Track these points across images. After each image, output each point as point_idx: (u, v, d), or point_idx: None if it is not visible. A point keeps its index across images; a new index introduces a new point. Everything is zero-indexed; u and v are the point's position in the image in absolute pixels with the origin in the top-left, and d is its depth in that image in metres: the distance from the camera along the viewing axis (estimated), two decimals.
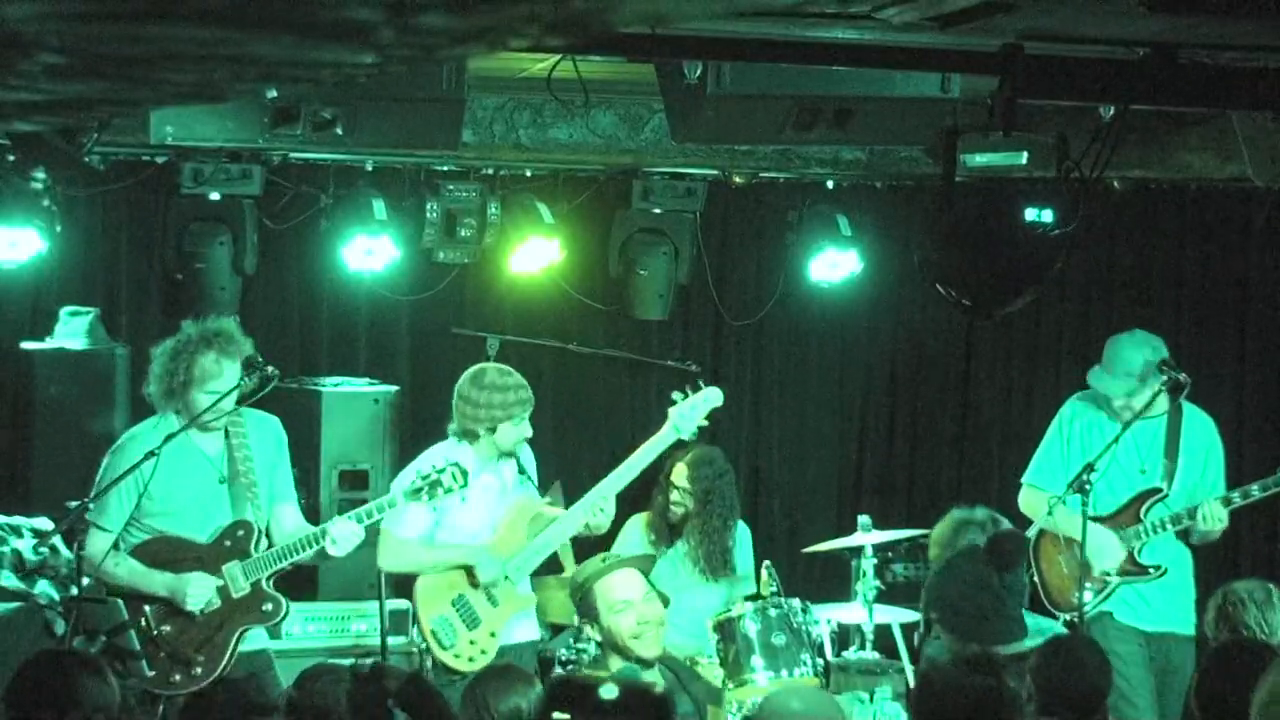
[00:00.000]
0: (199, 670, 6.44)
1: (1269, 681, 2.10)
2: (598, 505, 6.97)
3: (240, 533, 6.52)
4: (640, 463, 7.15)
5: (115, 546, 6.45)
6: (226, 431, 6.58)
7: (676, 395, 7.21)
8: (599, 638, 6.10)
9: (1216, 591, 5.99)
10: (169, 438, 6.39)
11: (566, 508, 7.15)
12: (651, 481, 8.13)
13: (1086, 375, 7.36)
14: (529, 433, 6.97)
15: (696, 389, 7.19)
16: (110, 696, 4.60)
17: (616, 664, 6.03)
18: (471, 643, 6.88)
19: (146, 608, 6.47)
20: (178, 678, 6.44)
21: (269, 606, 6.55)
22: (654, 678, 6.02)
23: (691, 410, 7.15)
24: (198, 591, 6.44)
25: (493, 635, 6.88)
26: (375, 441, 8.15)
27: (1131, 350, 7.27)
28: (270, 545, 6.57)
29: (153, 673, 6.43)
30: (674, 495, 7.92)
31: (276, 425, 6.75)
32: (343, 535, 6.52)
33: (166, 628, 6.46)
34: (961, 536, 6.05)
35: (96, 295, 8.21)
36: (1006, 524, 6.15)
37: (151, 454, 6.34)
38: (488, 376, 6.97)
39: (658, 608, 6.12)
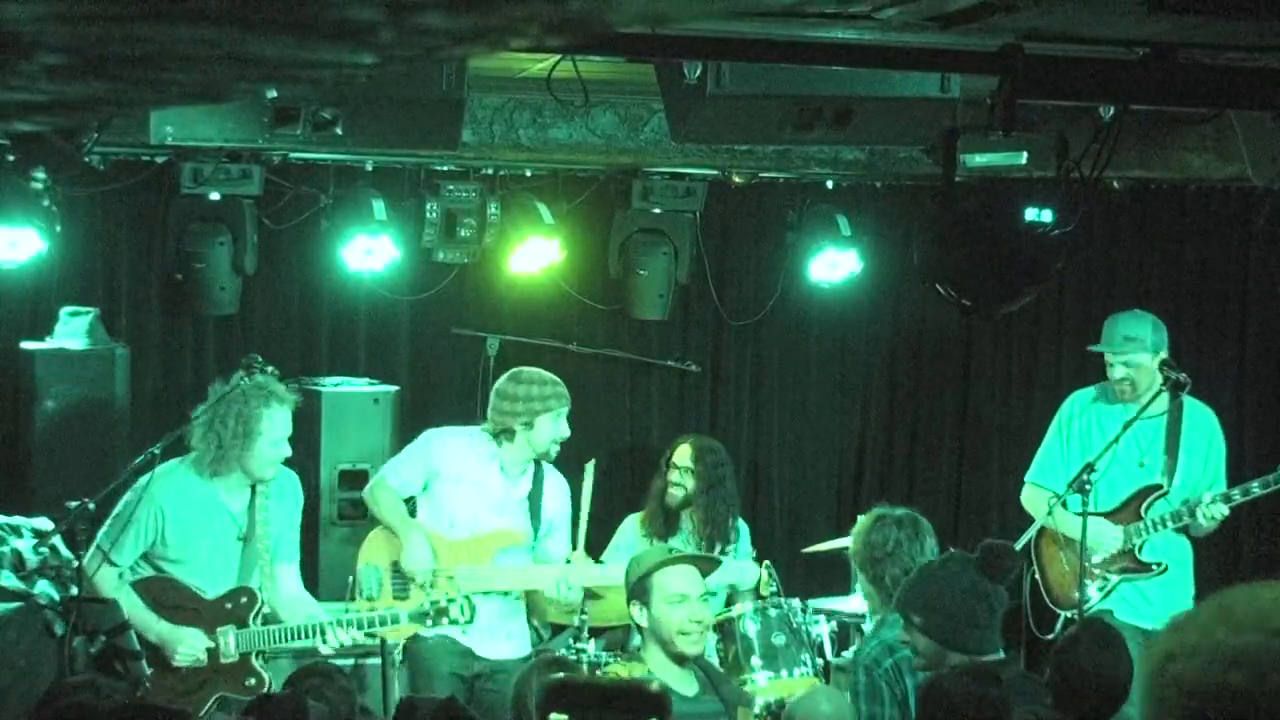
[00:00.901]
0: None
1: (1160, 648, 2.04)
2: (565, 583, 6.94)
3: (243, 599, 6.60)
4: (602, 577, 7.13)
5: (120, 575, 6.54)
6: (253, 489, 6.65)
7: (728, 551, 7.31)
8: (644, 624, 6.08)
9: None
10: (158, 455, 6.45)
11: (595, 494, 7.16)
12: (642, 487, 8.14)
13: (1087, 349, 7.40)
14: (566, 432, 7.00)
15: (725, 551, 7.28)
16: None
17: (655, 654, 6.01)
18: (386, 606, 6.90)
19: None
20: None
21: (252, 681, 6.61)
22: (687, 676, 6.02)
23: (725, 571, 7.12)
24: (187, 650, 6.53)
25: None
26: (375, 441, 8.15)
27: (1133, 319, 7.31)
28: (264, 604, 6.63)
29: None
30: (674, 476, 7.85)
31: (297, 485, 6.88)
32: (335, 642, 6.58)
33: (150, 670, 6.52)
34: (876, 531, 6.00)
35: (96, 295, 8.21)
36: (927, 524, 6.09)
37: (153, 453, 6.37)
38: (525, 373, 7.14)
39: (708, 612, 6.12)
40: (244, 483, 6.67)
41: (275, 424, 6.64)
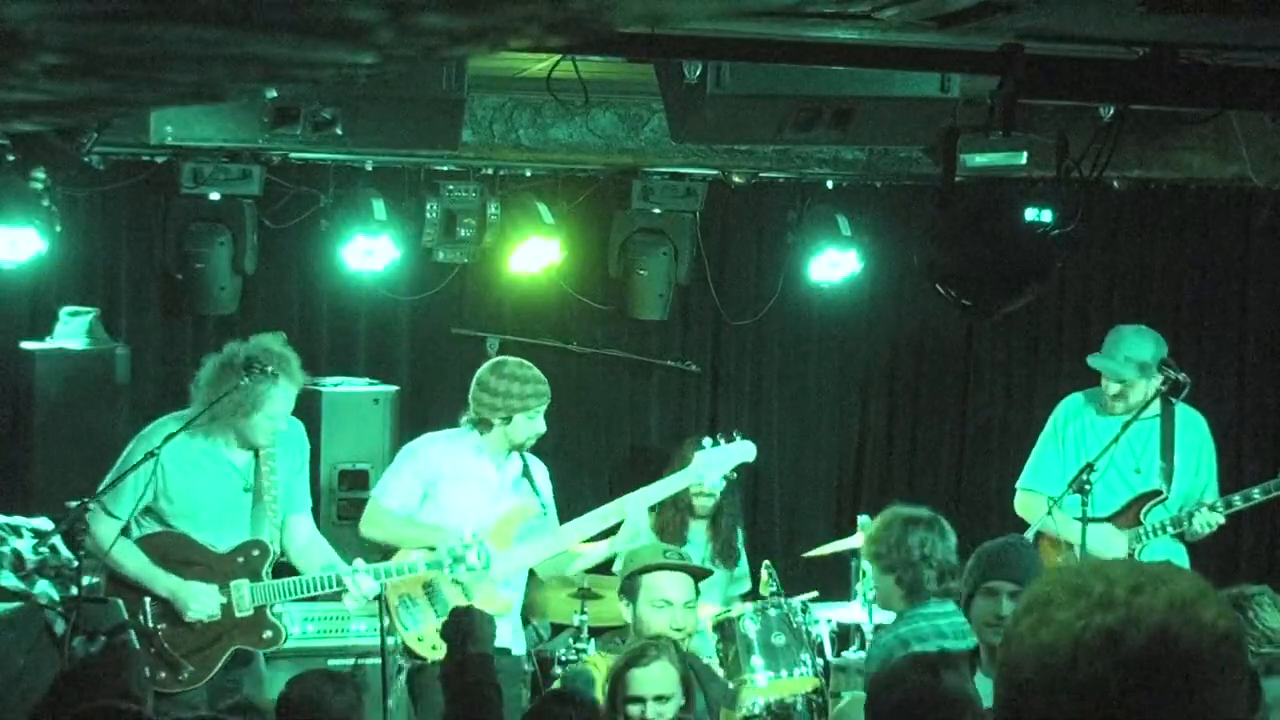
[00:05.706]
0: (185, 675, 6.47)
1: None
2: (590, 530, 6.90)
3: (255, 552, 6.55)
4: (649, 499, 7.12)
5: (125, 532, 6.47)
6: None
7: (707, 441, 7.14)
8: (629, 620, 6.10)
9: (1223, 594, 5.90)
10: (168, 438, 6.41)
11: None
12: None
13: (1086, 360, 7.39)
14: (542, 429, 6.94)
15: (730, 439, 7.12)
16: None
17: None
18: (438, 630, 6.85)
19: (146, 601, 6.49)
20: (163, 676, 6.46)
21: (269, 634, 6.58)
22: None
23: (719, 458, 7.11)
24: (200, 605, 6.47)
25: None
26: (375, 441, 8.16)
27: (1138, 339, 7.30)
28: (282, 554, 6.59)
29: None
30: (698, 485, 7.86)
31: (302, 432, 6.81)
32: (358, 594, 6.52)
33: (163, 626, 6.49)
34: (910, 534, 5.90)
35: (96, 295, 8.21)
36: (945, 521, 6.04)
37: (151, 454, 6.36)
38: (508, 367, 7.00)
39: (693, 619, 6.10)
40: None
41: (279, 401, 6.55)
